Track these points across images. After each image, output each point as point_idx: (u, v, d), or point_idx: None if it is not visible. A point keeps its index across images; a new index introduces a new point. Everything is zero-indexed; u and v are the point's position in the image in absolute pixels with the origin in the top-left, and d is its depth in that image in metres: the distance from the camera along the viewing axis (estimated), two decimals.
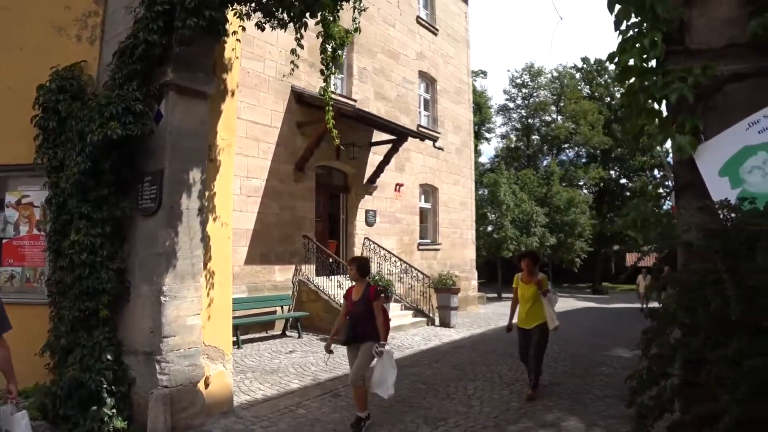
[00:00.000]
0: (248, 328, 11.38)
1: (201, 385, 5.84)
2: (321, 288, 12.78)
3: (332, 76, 7.78)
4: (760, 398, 2.41)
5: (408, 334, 12.78)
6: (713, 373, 2.54)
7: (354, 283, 6.27)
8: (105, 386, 5.40)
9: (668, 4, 3.66)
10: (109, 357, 5.51)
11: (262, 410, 6.51)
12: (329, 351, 6.31)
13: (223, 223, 6.43)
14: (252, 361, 9.38)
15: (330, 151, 14.06)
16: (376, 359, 5.80)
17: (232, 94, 6.62)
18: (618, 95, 57.42)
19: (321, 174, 14.46)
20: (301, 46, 6.31)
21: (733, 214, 2.84)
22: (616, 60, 3.97)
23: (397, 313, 13.32)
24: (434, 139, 17.23)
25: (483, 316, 18.59)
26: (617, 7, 4.14)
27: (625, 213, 3.75)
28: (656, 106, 3.85)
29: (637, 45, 3.73)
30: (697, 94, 3.52)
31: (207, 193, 6.09)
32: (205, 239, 6.06)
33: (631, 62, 3.80)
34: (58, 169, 5.98)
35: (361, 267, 6.19)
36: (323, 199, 14.90)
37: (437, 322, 14.48)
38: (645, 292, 22.56)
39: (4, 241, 7.12)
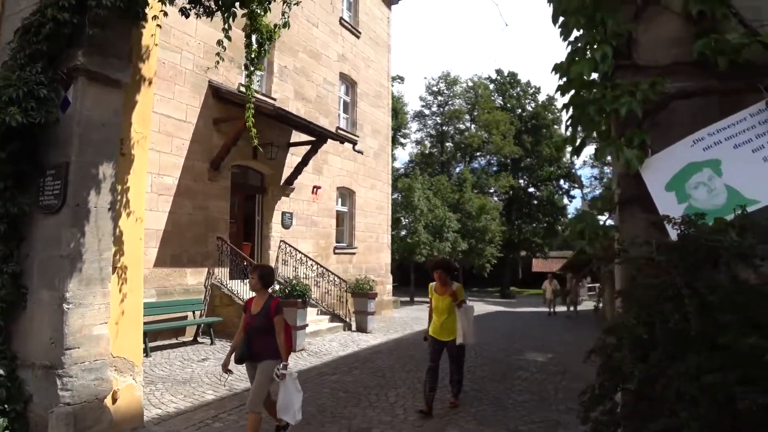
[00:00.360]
0: (157, 335, 10.73)
1: (108, 401, 5.33)
2: (235, 292, 12.26)
3: (256, 73, 7.40)
4: (718, 414, 2.36)
5: (325, 339, 12.49)
6: (672, 388, 2.47)
7: (255, 294, 5.57)
8: None
9: (619, 18, 3.67)
10: (1, 372, 4.91)
11: (175, 425, 6.06)
12: (227, 370, 5.66)
13: (136, 223, 5.93)
14: (162, 370, 8.80)
15: (247, 150, 13.57)
16: (279, 382, 5.16)
17: (149, 84, 6.13)
18: (530, 107, 60.01)
19: (237, 174, 13.92)
20: (229, 38, 5.92)
21: (691, 229, 2.80)
22: (563, 71, 3.93)
23: (313, 318, 13.00)
24: (353, 142, 17.04)
25: (398, 320, 18.59)
26: (561, 19, 4.13)
27: (570, 224, 3.69)
28: (597, 118, 3.84)
29: (587, 57, 3.70)
30: (645, 109, 3.53)
31: (118, 191, 5.58)
32: (115, 240, 5.55)
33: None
34: None
35: (263, 276, 5.48)
36: (239, 200, 14.35)
37: (354, 327, 14.26)
38: (551, 297, 23.48)
39: None
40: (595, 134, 4.21)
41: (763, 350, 2.23)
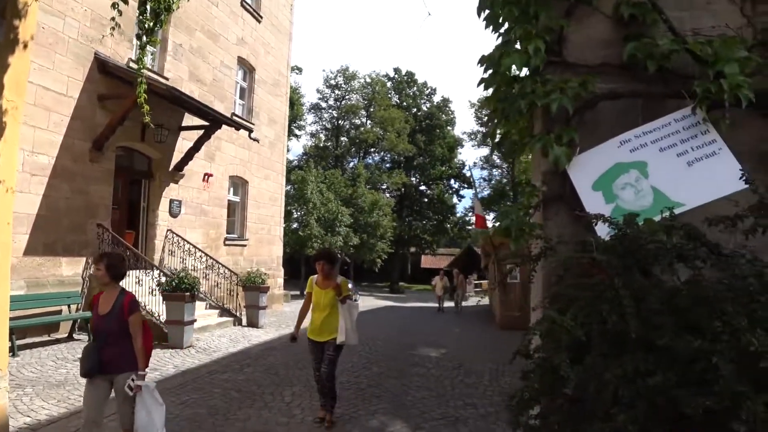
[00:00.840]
0: (26, 332, 9.69)
1: None
2: None
3: (149, 46, 6.78)
4: (655, 417, 2.30)
5: (214, 335, 11.88)
6: (608, 391, 2.39)
7: (102, 290, 4.46)
8: None
9: (551, 13, 3.62)
10: None
11: None
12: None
13: (3, 205, 5.19)
14: (32, 372, 7.91)
15: (134, 131, 12.68)
16: (135, 397, 4.28)
17: (25, 46, 5.37)
18: (425, 107, 61.18)
19: (122, 156, 12.90)
20: (126, 2, 5.30)
21: (628, 229, 2.73)
22: (492, 62, 3.82)
23: (201, 313, 12.33)
24: (250, 130, 16.37)
25: (289, 314, 18.14)
26: (486, 12, 4.03)
27: (497, 220, 3.58)
28: (524, 113, 3.77)
29: (518, 50, 3.60)
30: (575, 107, 3.49)
31: None
32: None
33: (513, 68, 3.68)
34: None
35: (111, 267, 4.36)
36: (123, 185, 13.33)
37: (245, 322, 13.70)
38: (441, 292, 23.77)
39: None
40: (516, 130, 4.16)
41: (708, 353, 2.18)
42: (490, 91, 4.02)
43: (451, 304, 25.89)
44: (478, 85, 4.03)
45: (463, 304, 25.44)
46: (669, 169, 3.36)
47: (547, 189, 3.61)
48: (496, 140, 4.09)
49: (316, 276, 6.36)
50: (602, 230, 3.05)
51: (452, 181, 61.94)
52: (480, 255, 46.99)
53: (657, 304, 2.48)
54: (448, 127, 61.78)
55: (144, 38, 6.41)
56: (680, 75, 3.53)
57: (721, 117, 3.35)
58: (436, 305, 25.38)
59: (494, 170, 61.55)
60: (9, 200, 5.24)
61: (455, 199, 61.74)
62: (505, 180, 59.64)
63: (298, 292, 36.86)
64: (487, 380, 8.35)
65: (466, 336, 13.73)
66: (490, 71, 3.90)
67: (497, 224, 3.67)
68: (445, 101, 62.56)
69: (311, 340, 6.19)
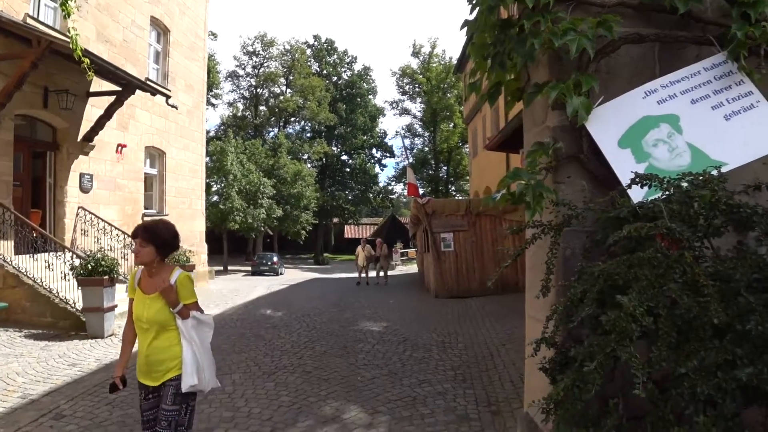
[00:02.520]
0: None
1: None
2: (23, 270, 10.09)
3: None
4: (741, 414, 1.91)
5: None
6: (685, 388, 1.92)
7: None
8: None
9: None
10: None
11: None
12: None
13: None
14: None
15: (35, 98, 11.34)
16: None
17: None
18: (346, 76, 60.14)
19: (22, 125, 11.48)
20: None
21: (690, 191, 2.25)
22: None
23: (122, 297, 11.23)
24: (167, 96, 15.06)
25: (216, 293, 17.26)
26: None
27: (504, 185, 3.01)
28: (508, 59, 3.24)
29: None
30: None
31: None
32: None
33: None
34: None
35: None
36: (24, 158, 11.90)
37: None
38: (364, 263, 21.82)
39: None
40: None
41: None
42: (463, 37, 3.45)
43: (373, 274, 22.51)
44: (462, 27, 3.43)
45: (392, 273, 24.55)
46: (704, 123, 2.90)
47: (560, 147, 3.08)
48: (490, 91, 3.50)
49: (139, 270, 3.63)
50: (637, 194, 2.58)
51: (374, 151, 61.66)
52: (406, 224, 47.22)
53: (744, 281, 2.02)
54: (370, 96, 61.27)
55: None
56: (701, 19, 3.07)
57: (755, 67, 2.92)
58: (358, 277, 22.35)
59: (416, 139, 61.68)
60: None
61: (378, 169, 61.60)
62: (426, 149, 59.84)
63: (221, 268, 35.65)
64: (436, 354, 7.97)
65: (403, 307, 13.35)
66: (476, 11, 3.30)
67: (501, 191, 3.10)
68: (366, 70, 61.89)
69: (140, 383, 3.58)
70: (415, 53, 59.84)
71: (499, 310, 11.60)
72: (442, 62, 57.76)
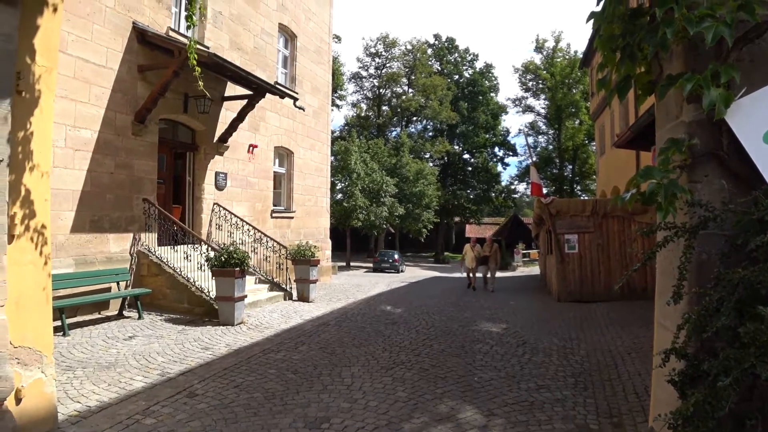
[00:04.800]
0: (77, 310, 9.51)
1: (9, 403, 4.26)
2: (165, 260, 11.06)
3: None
4: None
5: (265, 310, 11.53)
6: None
7: None
8: None
9: None
10: None
11: (98, 423, 5.02)
12: None
13: (41, 179, 4.76)
14: (82, 352, 7.63)
15: (176, 103, 12.30)
16: None
17: (54, 9, 4.89)
18: (467, 74, 59.65)
19: (165, 129, 12.55)
20: None
21: None
22: None
23: (251, 288, 11.98)
24: (295, 98, 15.79)
25: (338, 287, 17.80)
26: None
27: (634, 184, 2.87)
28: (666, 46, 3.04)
29: None
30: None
31: (14, 138, 4.39)
32: (14, 201, 4.40)
33: None
34: None
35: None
36: (167, 158, 12.99)
37: (295, 296, 13.34)
38: (472, 264, 18.47)
39: None
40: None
41: None
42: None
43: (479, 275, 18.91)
44: (588, 19, 3.31)
45: (512, 274, 22.27)
46: None
47: (695, 145, 2.90)
48: (620, 85, 3.34)
49: None
50: None
51: (497, 149, 60.66)
52: (529, 224, 45.92)
53: None
54: (492, 94, 60.34)
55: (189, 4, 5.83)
56: None
57: None
58: (467, 279, 19.11)
59: (540, 137, 59.94)
60: (45, 183, 4.82)
61: (500, 167, 60.49)
62: (551, 147, 57.99)
63: (344, 264, 36.75)
64: (556, 359, 7.70)
65: (523, 309, 13.04)
66: (603, 1, 3.18)
67: (631, 191, 2.95)
68: (488, 67, 61.08)
69: None
70: (538, 48, 57.90)
71: (624, 316, 11.03)
72: (567, 57, 55.44)
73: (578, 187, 56.16)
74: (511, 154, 61.34)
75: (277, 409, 5.51)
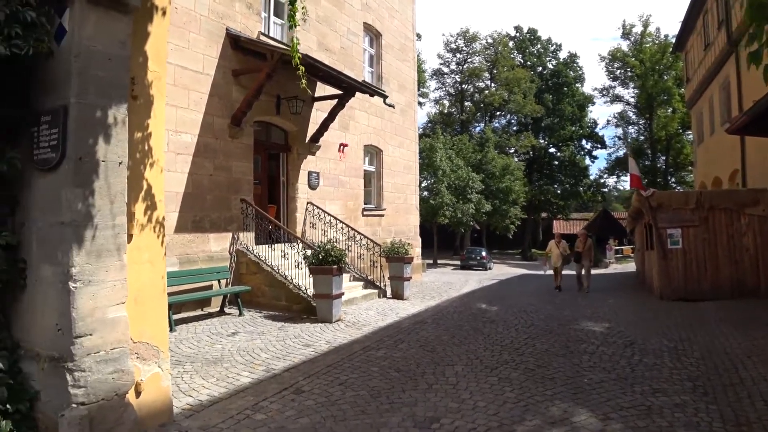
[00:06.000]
0: (181, 307, 9.88)
1: (131, 396, 4.42)
2: (263, 258, 11.33)
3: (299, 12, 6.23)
4: None
5: (361, 308, 11.58)
6: None
7: None
8: None
9: None
10: (0, 366, 4.00)
11: (210, 417, 5.13)
12: None
13: (156, 180, 4.92)
14: (189, 347, 7.91)
15: (269, 105, 12.57)
16: None
17: (164, 13, 5.04)
18: (551, 65, 57.95)
19: (259, 131, 12.85)
20: None
21: None
22: None
23: (347, 285, 12.06)
24: (384, 96, 15.77)
25: (429, 285, 17.70)
26: None
27: None
28: None
29: None
30: None
31: (130, 141, 4.55)
32: (131, 202, 4.55)
33: None
34: None
35: None
36: (262, 159, 13.32)
37: (389, 293, 13.34)
38: (558, 262, 16.86)
39: None
40: None
41: None
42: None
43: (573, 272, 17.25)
44: None
45: (605, 271, 19.73)
46: None
47: None
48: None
49: None
50: None
51: (584, 142, 58.46)
52: (620, 219, 43.91)
53: None
54: (577, 85, 58.18)
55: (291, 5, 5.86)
56: None
57: None
58: (555, 279, 16.92)
59: (630, 127, 57.36)
60: (160, 183, 4.98)
61: (588, 161, 58.24)
62: (642, 137, 55.28)
63: (431, 261, 36.58)
64: (668, 361, 7.20)
65: (624, 307, 12.39)
66: None
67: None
68: (572, 57, 59.02)
69: None
70: (626, 34, 54.87)
71: (737, 316, 10.26)
72: (657, 41, 52.34)
73: (672, 179, 52.95)
74: (599, 146, 58.91)
75: (384, 407, 5.44)
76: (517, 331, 9.36)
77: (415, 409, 5.37)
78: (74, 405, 3.95)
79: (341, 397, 5.72)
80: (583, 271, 16.47)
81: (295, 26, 5.58)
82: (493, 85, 56.00)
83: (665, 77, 50.88)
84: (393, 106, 17.95)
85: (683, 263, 13.38)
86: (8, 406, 4.00)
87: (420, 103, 53.37)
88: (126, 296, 4.38)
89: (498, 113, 56.81)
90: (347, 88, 13.29)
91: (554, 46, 60.03)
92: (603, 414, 5.23)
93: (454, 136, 45.98)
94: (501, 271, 32.95)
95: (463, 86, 56.91)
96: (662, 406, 5.40)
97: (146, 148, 4.77)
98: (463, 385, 6.19)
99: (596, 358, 7.44)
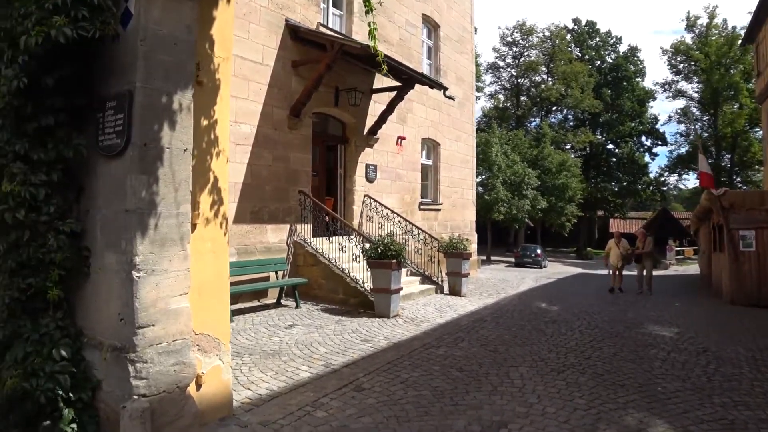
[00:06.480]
0: (239, 297, 9.86)
1: (191, 389, 4.32)
2: (319, 251, 11.23)
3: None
4: None
5: (418, 303, 11.35)
6: None
7: None
8: (60, 394, 3.87)
9: None
10: (63, 354, 3.96)
11: (270, 412, 5.00)
12: None
13: (221, 168, 4.81)
14: (247, 339, 7.86)
15: (327, 97, 12.47)
16: None
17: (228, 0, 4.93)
18: (609, 59, 56.20)
19: (317, 122, 12.75)
20: None
21: None
22: None
23: (404, 280, 11.81)
24: (445, 88, 15.42)
25: (486, 281, 17.35)
26: None
27: None
28: None
29: None
30: None
31: (195, 128, 4.43)
32: (195, 191, 4.45)
33: None
34: None
35: None
36: (320, 151, 13.23)
37: (446, 289, 13.06)
38: (618, 262, 15.72)
39: None
40: None
41: None
42: None
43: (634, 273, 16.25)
44: None
45: (665, 273, 18.18)
46: None
47: None
48: None
49: None
50: None
51: (644, 138, 56.43)
52: (680, 219, 42.18)
53: None
54: (638, 79, 56.09)
55: None
56: None
57: None
58: (611, 279, 16.11)
59: (693, 124, 54.96)
60: (225, 171, 4.87)
61: (647, 158, 56.13)
62: (706, 134, 52.86)
63: (484, 257, 35.99)
64: (748, 372, 6.67)
65: (691, 312, 11.72)
66: None
67: None
68: (633, 50, 56.94)
69: None
70: (690, 26, 52.30)
71: None
72: (723, 34, 49.78)
73: (738, 179, 50.25)
74: (659, 143, 56.71)
75: (449, 409, 5.20)
76: (581, 333, 8.95)
77: (481, 413, 5.11)
78: (136, 397, 3.86)
79: (403, 397, 5.51)
80: (644, 272, 15.51)
81: (372, 11, 5.34)
82: (549, 79, 54.75)
83: (732, 71, 48.43)
84: (453, 99, 17.60)
85: (757, 267, 12.62)
86: (71, 394, 3.96)
87: (476, 97, 52.68)
88: (189, 287, 4.28)
89: (554, 108, 55.50)
90: (407, 79, 13.04)
91: (614, 39, 58.16)
92: (682, 427, 4.86)
93: (510, 131, 45.09)
94: (556, 269, 32.16)
95: (519, 80, 55.86)
96: (746, 421, 4.99)
97: (211, 135, 4.66)
98: (529, 388, 5.90)
99: (668, 365, 6.99)
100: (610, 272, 16.20)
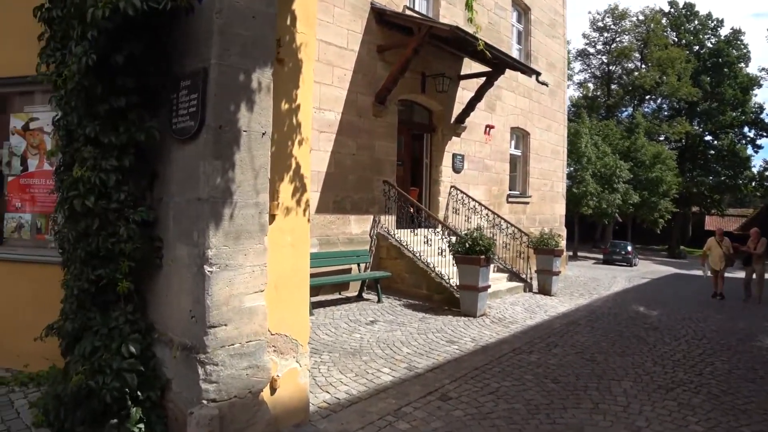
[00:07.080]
0: (318, 289, 9.57)
1: (264, 393, 3.97)
2: (403, 243, 10.79)
3: None
4: None
5: (505, 302, 10.72)
6: None
7: None
8: (128, 392, 3.61)
9: None
10: (132, 350, 3.69)
11: (348, 420, 4.60)
12: None
13: (303, 154, 4.43)
14: (327, 334, 7.53)
15: (414, 83, 11.99)
16: None
17: None
18: (710, 44, 52.48)
19: (402, 110, 12.30)
20: None
21: None
22: None
23: (491, 276, 11.18)
24: (538, 73, 14.56)
25: (575, 280, 16.38)
26: None
27: None
28: None
29: None
30: None
31: (275, 111, 4.05)
32: (274, 179, 4.08)
33: None
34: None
35: None
36: (405, 140, 12.76)
37: (535, 287, 12.33)
38: (721, 264, 13.90)
39: (9, 178, 5.40)
40: None
41: None
42: None
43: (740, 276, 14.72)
44: None
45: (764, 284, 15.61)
46: None
47: None
48: None
49: None
50: None
51: (747, 129, 52.20)
52: None
53: None
54: (741, 64, 51.83)
55: None
56: None
57: None
58: (712, 283, 14.28)
59: None
60: (307, 157, 4.49)
61: (750, 151, 51.88)
62: None
63: (571, 253, 34.47)
64: None
65: None
66: None
67: None
68: (736, 33, 52.51)
69: None
70: None
71: None
72: None
73: None
74: (764, 134, 52.33)
75: (545, 428, 4.63)
76: (688, 343, 8.06)
77: None
78: (204, 401, 3.53)
79: (493, 410, 4.98)
80: (753, 276, 13.67)
81: None
82: (643, 66, 51.68)
83: None
84: (547, 85, 16.75)
85: None
86: (139, 393, 3.69)
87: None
88: (265, 283, 3.91)
89: (648, 97, 52.37)
90: (497, 64, 12.31)
91: (714, 22, 53.99)
92: None
93: (600, 121, 42.90)
94: (648, 268, 30.32)
95: (610, 68, 53.12)
96: None
97: (293, 120, 4.28)
98: (635, 407, 5.19)
99: None
100: (708, 274, 14.45)
